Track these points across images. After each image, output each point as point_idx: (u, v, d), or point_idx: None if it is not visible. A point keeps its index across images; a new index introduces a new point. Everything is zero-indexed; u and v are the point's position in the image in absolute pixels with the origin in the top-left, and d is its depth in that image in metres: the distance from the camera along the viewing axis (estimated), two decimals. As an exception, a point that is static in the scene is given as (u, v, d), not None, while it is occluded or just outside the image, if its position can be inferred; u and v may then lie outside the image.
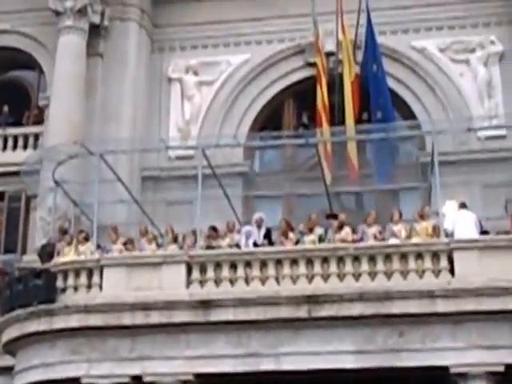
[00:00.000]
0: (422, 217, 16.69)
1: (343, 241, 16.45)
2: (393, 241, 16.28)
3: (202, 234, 17.30)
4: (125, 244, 17.61)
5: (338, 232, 16.72)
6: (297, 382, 15.76)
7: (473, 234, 16.13)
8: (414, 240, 16.19)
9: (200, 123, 23.10)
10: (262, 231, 17.60)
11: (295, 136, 20.63)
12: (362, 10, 21.71)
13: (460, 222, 16.33)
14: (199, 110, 23.23)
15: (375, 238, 16.61)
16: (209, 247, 16.97)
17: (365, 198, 22.07)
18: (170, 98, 23.60)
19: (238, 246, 17.10)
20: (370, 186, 21.18)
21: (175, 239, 17.59)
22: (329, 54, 22.48)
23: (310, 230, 16.89)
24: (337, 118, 21.46)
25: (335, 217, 17.40)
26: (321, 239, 16.73)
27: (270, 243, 17.21)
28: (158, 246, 17.83)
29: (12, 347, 17.26)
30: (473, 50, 22.60)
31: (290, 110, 23.87)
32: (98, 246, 17.64)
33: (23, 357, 16.90)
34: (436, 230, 16.39)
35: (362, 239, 16.57)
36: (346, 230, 16.77)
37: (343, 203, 21.91)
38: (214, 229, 17.51)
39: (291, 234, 16.97)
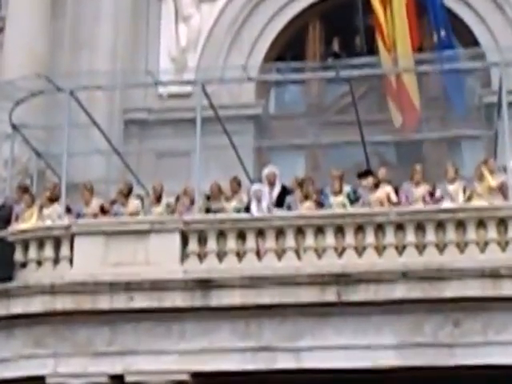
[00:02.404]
0: (486, 173, 16.63)
1: (381, 203, 16.46)
2: (447, 204, 16.29)
3: (202, 195, 17.37)
4: (102, 209, 17.67)
5: (373, 191, 16.71)
6: (321, 383, 15.90)
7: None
8: (475, 203, 16.19)
9: (199, 51, 23.20)
10: (276, 191, 17.63)
11: (323, 68, 20.59)
12: None
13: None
14: (198, 35, 23.31)
15: (424, 200, 16.63)
16: (209, 211, 17.02)
17: (411, 150, 21.99)
18: (161, 20, 23.73)
19: (247, 209, 17.18)
20: (419, 135, 21.17)
21: (158, 199, 17.58)
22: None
23: (339, 191, 16.90)
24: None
25: (371, 174, 17.33)
26: (351, 201, 16.73)
27: (288, 207, 17.21)
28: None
29: (-43, 337, 17.48)
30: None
31: (317, 35, 23.86)
32: (68, 210, 17.74)
33: (-28, 350, 17.12)
34: (503, 191, 16.36)
35: (407, 202, 16.58)
36: (385, 188, 16.76)
37: (383, 156, 21.93)
38: (218, 187, 17.54)
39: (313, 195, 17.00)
